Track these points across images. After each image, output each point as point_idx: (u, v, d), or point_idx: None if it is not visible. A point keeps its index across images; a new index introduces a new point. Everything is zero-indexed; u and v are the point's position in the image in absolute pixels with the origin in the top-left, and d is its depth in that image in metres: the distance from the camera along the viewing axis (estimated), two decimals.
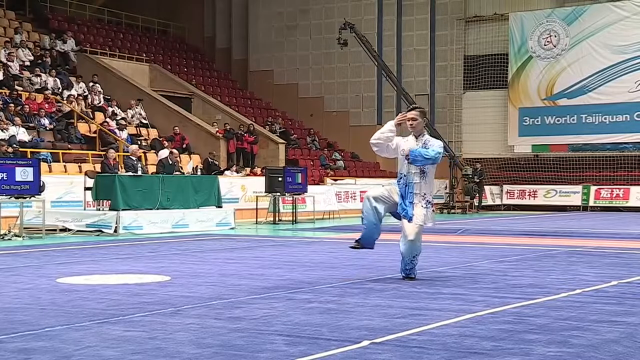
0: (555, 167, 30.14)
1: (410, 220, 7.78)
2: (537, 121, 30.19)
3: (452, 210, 27.25)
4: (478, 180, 27.84)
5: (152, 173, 18.14)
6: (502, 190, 30.26)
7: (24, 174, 14.11)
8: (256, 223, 19.56)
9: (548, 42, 30.01)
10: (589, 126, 29.37)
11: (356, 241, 8.20)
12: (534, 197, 29.77)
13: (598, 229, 17.81)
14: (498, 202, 30.13)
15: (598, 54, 29.18)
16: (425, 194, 7.84)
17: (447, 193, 28.52)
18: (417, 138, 7.94)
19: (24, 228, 14.44)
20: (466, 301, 6.59)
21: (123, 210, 15.31)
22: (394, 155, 8.08)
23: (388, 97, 32.39)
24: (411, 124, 7.97)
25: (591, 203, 28.73)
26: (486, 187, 29.45)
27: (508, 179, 30.58)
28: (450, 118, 31.68)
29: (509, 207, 29.88)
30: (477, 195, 27.90)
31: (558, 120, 29.91)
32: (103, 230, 15.14)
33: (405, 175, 7.89)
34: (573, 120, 29.64)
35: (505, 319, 5.76)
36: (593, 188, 28.85)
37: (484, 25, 31.34)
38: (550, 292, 7.19)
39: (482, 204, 28.40)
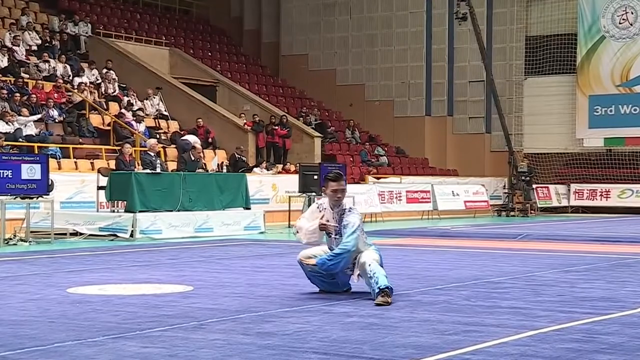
0: (632, 163, 29.77)
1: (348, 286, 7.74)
2: (611, 111, 29.84)
3: (512, 213, 27.07)
4: (527, 179, 27.58)
5: (172, 170, 18.30)
6: (569, 190, 29.98)
7: (30, 171, 14.29)
8: (289, 226, 19.59)
9: (624, 19, 29.64)
10: None
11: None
12: (607, 197, 29.46)
13: None
14: (565, 203, 29.86)
15: None
16: (360, 252, 7.40)
17: (505, 193, 28.30)
18: (333, 208, 7.52)
19: (31, 232, 14.64)
20: (527, 316, 6.56)
21: (140, 212, 15.46)
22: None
23: (438, 85, 32.24)
24: (339, 197, 7.49)
25: None
26: (551, 187, 29.21)
27: (576, 177, 30.28)
28: (510, 107, 31.39)
29: (577, 209, 29.61)
30: (527, 195, 27.58)
31: (635, 110, 29.55)
32: (118, 234, 15.30)
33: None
34: None
35: (573, 336, 5.72)
36: None
37: (549, 2, 31.05)
38: (624, 306, 7.13)
39: (543, 205, 28.07)
